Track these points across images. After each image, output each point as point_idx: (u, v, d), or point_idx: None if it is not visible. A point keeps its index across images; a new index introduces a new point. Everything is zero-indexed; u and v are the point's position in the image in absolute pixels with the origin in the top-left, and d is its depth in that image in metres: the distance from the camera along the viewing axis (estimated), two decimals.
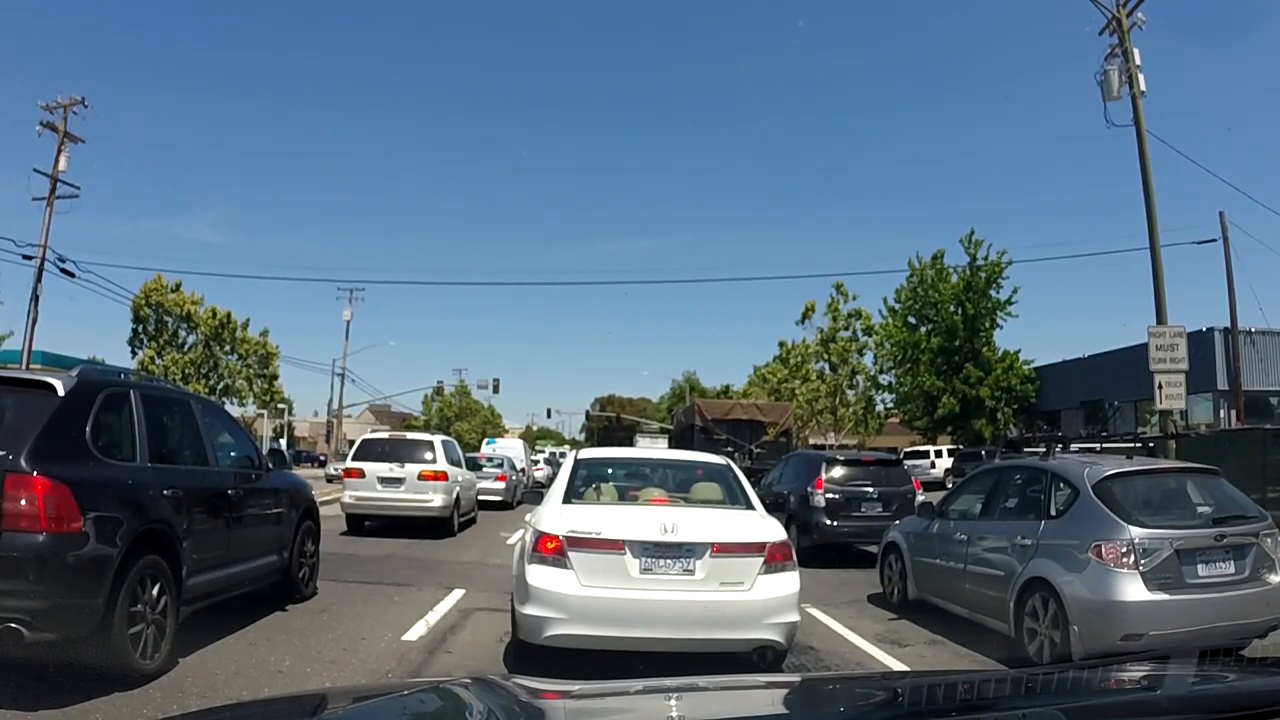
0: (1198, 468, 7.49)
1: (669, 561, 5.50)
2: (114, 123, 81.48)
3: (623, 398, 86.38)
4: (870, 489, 12.49)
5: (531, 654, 5.66)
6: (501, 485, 22.04)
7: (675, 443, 25.94)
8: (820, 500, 12.23)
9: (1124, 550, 5.90)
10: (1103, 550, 5.96)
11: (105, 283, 49.63)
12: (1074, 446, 8.45)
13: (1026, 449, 8.64)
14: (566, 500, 6.21)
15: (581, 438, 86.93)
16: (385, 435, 17.79)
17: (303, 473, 15.53)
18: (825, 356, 43.06)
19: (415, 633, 6.98)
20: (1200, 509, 6.63)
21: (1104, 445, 9.38)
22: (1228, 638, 5.88)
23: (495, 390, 60.64)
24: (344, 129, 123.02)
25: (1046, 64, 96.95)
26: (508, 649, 6.43)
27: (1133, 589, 5.82)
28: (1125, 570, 5.86)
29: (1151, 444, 9.55)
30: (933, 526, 8.36)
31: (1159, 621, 5.78)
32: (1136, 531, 5.97)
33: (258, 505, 7.18)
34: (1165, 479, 7.06)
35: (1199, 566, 5.99)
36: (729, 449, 19.75)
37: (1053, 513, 6.72)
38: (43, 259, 26.44)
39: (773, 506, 10.27)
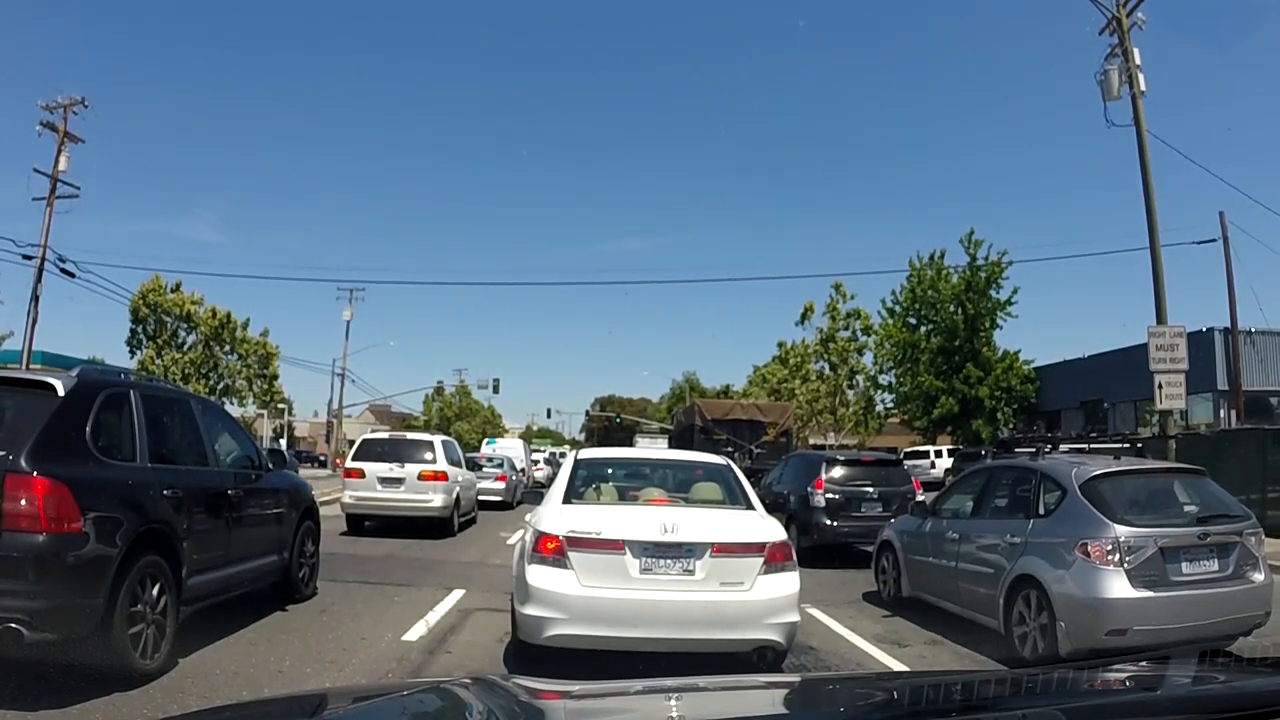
0: (1184, 468, 7.63)
1: (669, 561, 5.50)
2: (114, 123, 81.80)
3: (623, 398, 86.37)
4: (870, 489, 12.49)
5: (531, 654, 5.67)
6: (501, 485, 22.03)
7: (675, 443, 25.95)
8: (820, 500, 12.23)
9: (1109, 548, 6.02)
10: (1089, 548, 6.09)
11: (105, 283, 49.61)
12: (1063, 447, 8.60)
13: (1017, 449, 8.70)
14: (566, 500, 6.21)
15: (581, 438, 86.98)
16: (385, 435, 17.78)
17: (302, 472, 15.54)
18: (825, 356, 43.04)
19: (415, 633, 6.98)
20: (1186, 508, 6.76)
21: (1093, 446, 9.41)
22: (1212, 634, 6.04)
23: (495, 390, 60.68)
24: (344, 129, 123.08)
25: (1046, 64, 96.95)
26: (508, 649, 6.43)
27: (1118, 586, 5.94)
28: (1111, 568, 5.99)
29: (1140, 444, 9.65)
30: (926, 525, 8.48)
31: (1143, 617, 5.92)
32: (1122, 530, 6.09)
33: (258, 505, 7.18)
34: (1152, 479, 7.19)
35: (1183, 564, 6.12)
36: (729, 449, 19.76)
37: (1041, 512, 6.83)
38: (43, 259, 26.45)
39: (773, 506, 10.27)
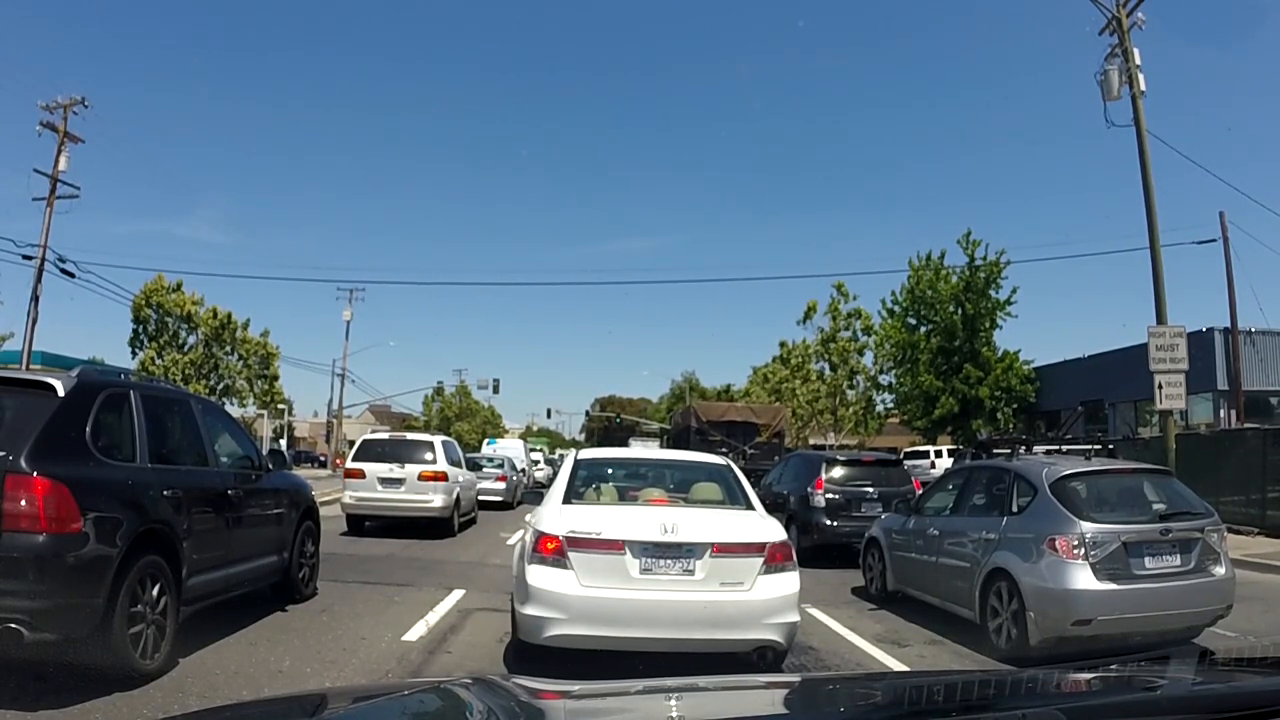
0: (1151, 468, 8.07)
1: (669, 562, 5.50)
2: (114, 123, 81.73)
3: (623, 398, 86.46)
4: (870, 489, 12.49)
5: (531, 654, 5.66)
6: (502, 485, 22.05)
7: (672, 444, 26.11)
8: (820, 500, 12.24)
9: (1075, 543, 6.38)
10: (1056, 543, 6.45)
11: (105, 283, 49.55)
12: (1038, 448, 9.02)
13: (995, 450, 9.08)
14: (566, 500, 6.20)
15: (581, 438, 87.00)
16: (385, 436, 17.79)
17: (303, 472, 15.59)
18: (825, 356, 43.02)
19: (415, 633, 6.98)
20: (1151, 506, 7.08)
21: (1066, 447, 9.70)
22: (1175, 625, 6.47)
23: (495, 390, 60.79)
24: (344, 129, 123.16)
25: (1046, 64, 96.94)
26: (508, 649, 6.43)
27: (1083, 578, 6.29)
28: (1076, 561, 6.34)
29: (1111, 445, 10.03)
30: (909, 522, 8.84)
31: (1107, 608, 6.27)
32: (1087, 526, 6.44)
33: (258, 505, 7.18)
34: (1119, 479, 7.55)
35: (1146, 559, 6.46)
36: (723, 449, 19.80)
37: (1014, 509, 7.17)
38: (43, 259, 26.42)
39: (773, 506, 10.28)
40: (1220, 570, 6.69)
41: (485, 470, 21.78)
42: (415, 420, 71.61)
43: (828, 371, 43.11)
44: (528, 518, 6.39)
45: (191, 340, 42.41)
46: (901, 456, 22.21)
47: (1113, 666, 2.46)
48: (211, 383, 41.92)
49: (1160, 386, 16.10)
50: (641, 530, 5.55)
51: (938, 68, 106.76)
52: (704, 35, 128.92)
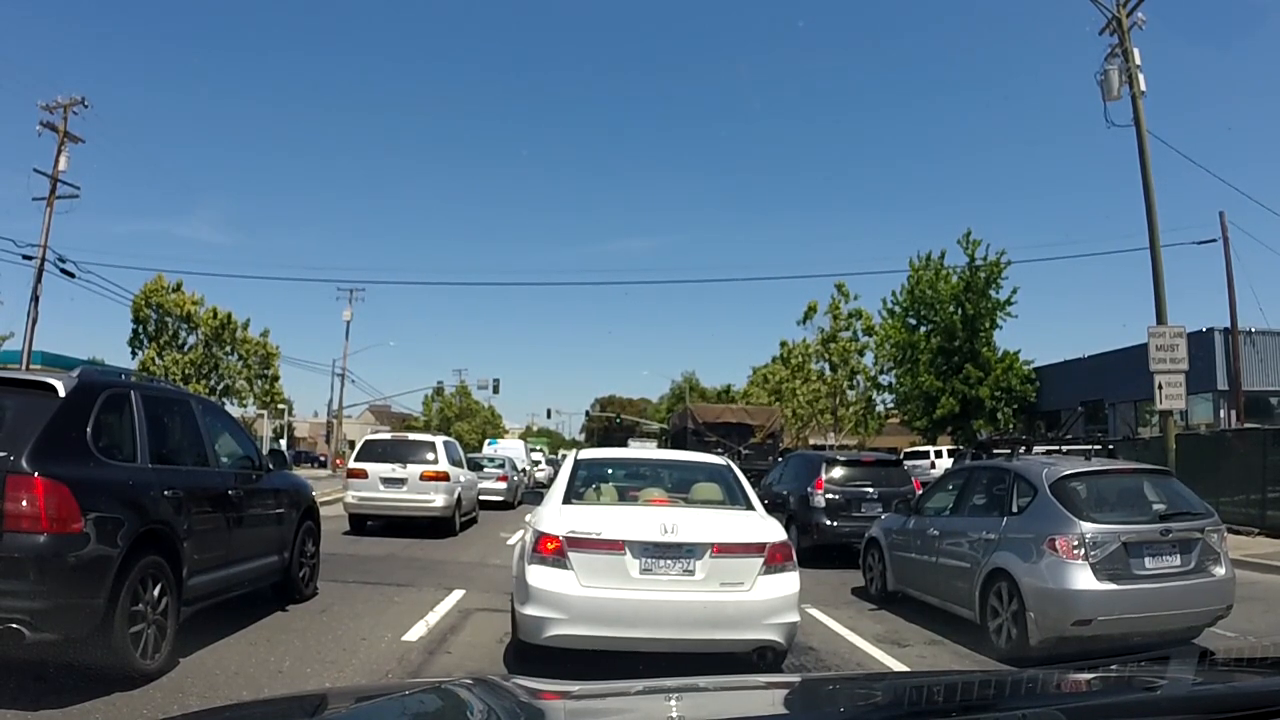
0: (1151, 469, 8.08)
1: (669, 562, 5.50)
2: (114, 123, 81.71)
3: (623, 398, 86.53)
4: (870, 489, 12.49)
5: (531, 654, 5.67)
6: (502, 485, 22.12)
7: (670, 445, 26.20)
8: (820, 500, 12.24)
9: (1075, 543, 6.39)
10: (1056, 543, 6.46)
11: (105, 283, 49.67)
12: (1038, 448, 9.02)
13: (995, 450, 9.08)
14: (566, 500, 6.20)
15: (581, 438, 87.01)
16: (387, 436, 17.82)
17: (303, 473, 15.61)
18: (826, 356, 43.03)
19: (415, 633, 6.98)
20: (1151, 506, 7.08)
21: (1066, 448, 9.70)
22: (1175, 625, 6.47)
23: (495, 390, 60.79)
24: (344, 129, 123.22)
25: (1046, 64, 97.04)
26: (508, 649, 6.43)
27: (1083, 579, 6.29)
28: (1076, 562, 6.35)
29: (1111, 445, 10.05)
30: (909, 523, 8.85)
31: (1107, 608, 6.27)
32: (1087, 526, 6.45)
33: (258, 506, 7.18)
34: (1119, 479, 7.55)
35: (1146, 559, 6.47)
36: (719, 450, 19.86)
37: (1014, 510, 7.18)
38: (43, 259, 26.42)
39: (772, 506, 10.28)
40: (1220, 570, 6.70)
41: (486, 470, 21.86)
42: (415, 420, 71.60)
43: (828, 372, 43.15)
44: (528, 518, 6.39)
45: (191, 340, 42.41)
46: (901, 457, 22.22)
47: (1113, 666, 2.46)
48: (211, 383, 41.91)
49: (1160, 386, 16.10)
50: (641, 530, 5.55)
51: (938, 68, 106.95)
52: (704, 35, 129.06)
